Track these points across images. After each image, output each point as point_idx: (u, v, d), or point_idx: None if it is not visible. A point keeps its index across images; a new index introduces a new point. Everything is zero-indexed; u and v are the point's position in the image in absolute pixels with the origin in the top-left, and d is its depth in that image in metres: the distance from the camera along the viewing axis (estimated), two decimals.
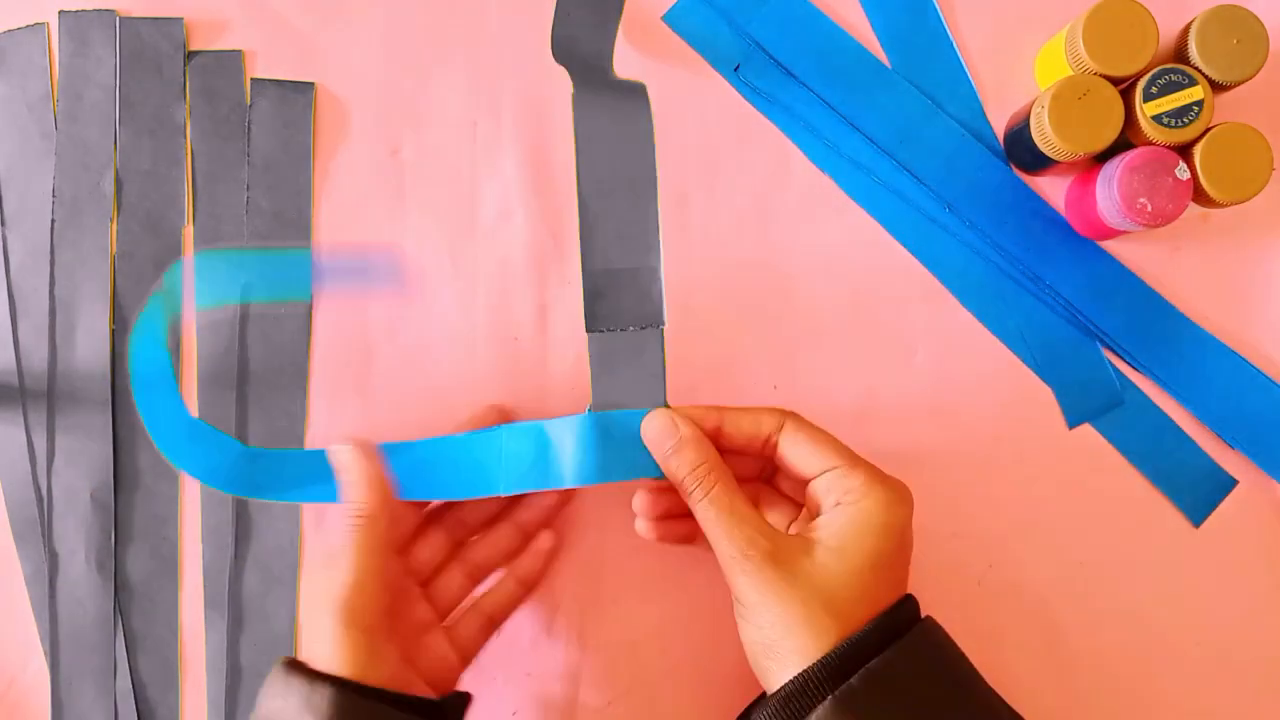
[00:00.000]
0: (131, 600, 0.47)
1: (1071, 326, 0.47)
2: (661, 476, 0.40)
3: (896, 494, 0.38)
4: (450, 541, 0.44)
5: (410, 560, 0.43)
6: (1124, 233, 0.45)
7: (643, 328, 0.41)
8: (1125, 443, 0.47)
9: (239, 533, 0.47)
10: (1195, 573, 0.47)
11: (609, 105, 0.42)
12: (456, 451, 0.42)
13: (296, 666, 0.37)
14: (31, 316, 0.48)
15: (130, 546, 0.47)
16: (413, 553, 0.43)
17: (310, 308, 0.48)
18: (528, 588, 0.44)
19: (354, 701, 0.36)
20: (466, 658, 0.43)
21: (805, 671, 0.34)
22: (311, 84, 0.49)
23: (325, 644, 0.37)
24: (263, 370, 0.48)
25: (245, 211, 0.48)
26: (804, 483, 0.40)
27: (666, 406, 0.41)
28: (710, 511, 0.38)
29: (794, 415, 0.40)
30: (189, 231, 0.48)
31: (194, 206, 0.48)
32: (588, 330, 0.41)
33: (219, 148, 0.48)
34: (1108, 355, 0.47)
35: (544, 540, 0.44)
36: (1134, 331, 0.47)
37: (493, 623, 0.44)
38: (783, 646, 0.35)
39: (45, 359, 0.48)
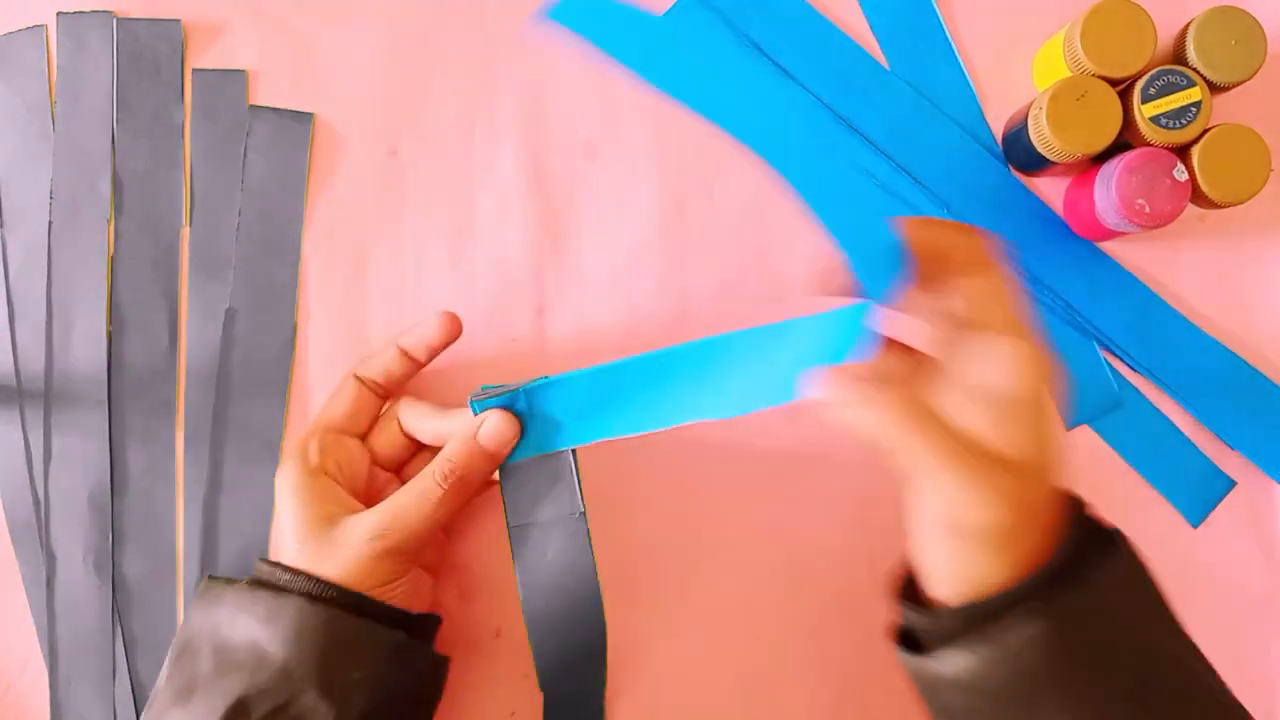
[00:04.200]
0: (130, 602, 0.47)
1: (1070, 327, 0.47)
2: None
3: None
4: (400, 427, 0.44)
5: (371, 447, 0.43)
6: (1122, 234, 0.45)
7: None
8: (1124, 444, 0.47)
9: (206, 531, 0.47)
10: (1194, 573, 0.47)
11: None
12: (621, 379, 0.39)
13: (263, 584, 0.38)
14: (29, 318, 0.48)
15: (128, 548, 0.47)
16: (371, 439, 0.43)
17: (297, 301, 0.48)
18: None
19: (319, 607, 0.37)
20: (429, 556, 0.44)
21: (1012, 589, 0.32)
22: (310, 114, 0.48)
23: (341, 559, 0.38)
24: (245, 368, 0.48)
25: (236, 237, 0.48)
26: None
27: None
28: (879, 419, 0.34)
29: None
30: (186, 233, 0.48)
31: (191, 210, 0.48)
32: None
33: (217, 166, 0.48)
34: (1106, 356, 0.47)
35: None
36: (1133, 332, 0.47)
37: (447, 530, 0.45)
38: (968, 522, 0.32)
39: (42, 361, 0.48)
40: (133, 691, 0.47)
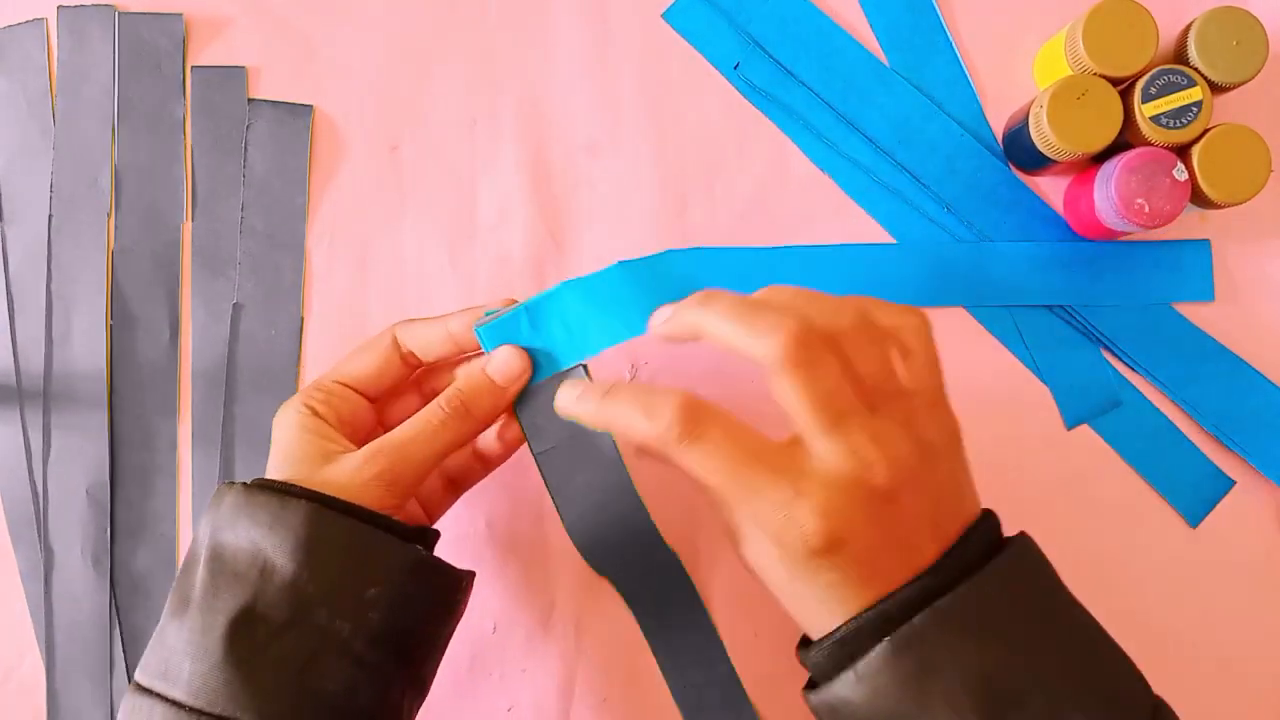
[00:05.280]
0: (130, 597, 0.47)
1: (1070, 327, 0.47)
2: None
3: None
4: (422, 402, 0.42)
5: (384, 413, 0.42)
6: (1122, 233, 0.45)
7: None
8: (1123, 443, 0.47)
9: None
10: (1193, 573, 0.47)
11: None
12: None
13: (264, 486, 0.35)
14: (29, 313, 0.48)
15: (127, 543, 0.47)
16: (387, 407, 0.42)
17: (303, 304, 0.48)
18: (486, 464, 0.43)
19: (331, 516, 0.34)
20: (432, 516, 0.42)
21: (859, 616, 0.31)
22: (309, 106, 0.48)
23: (343, 475, 0.36)
24: (254, 364, 0.48)
25: (240, 232, 0.48)
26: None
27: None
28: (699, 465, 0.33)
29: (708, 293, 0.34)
30: (187, 228, 0.48)
31: (192, 205, 0.48)
32: None
33: (219, 162, 0.48)
34: (1106, 356, 0.48)
35: (504, 424, 0.42)
36: (1132, 332, 0.47)
37: (454, 485, 0.43)
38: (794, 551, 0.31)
39: (42, 355, 0.48)
40: None
